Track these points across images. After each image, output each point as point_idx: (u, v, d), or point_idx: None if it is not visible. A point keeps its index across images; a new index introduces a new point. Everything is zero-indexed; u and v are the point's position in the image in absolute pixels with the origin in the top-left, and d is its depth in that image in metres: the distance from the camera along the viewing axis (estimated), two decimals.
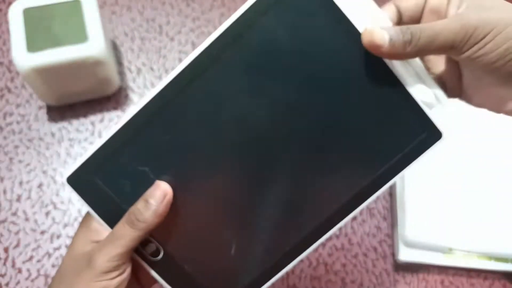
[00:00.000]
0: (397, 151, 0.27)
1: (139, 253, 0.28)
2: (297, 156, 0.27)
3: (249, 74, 0.26)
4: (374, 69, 0.25)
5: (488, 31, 0.24)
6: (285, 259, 0.28)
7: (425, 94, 0.26)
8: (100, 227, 0.28)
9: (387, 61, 0.25)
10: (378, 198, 0.49)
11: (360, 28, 0.25)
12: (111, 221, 0.27)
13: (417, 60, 0.26)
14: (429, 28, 0.24)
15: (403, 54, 0.25)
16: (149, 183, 0.27)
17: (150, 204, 0.26)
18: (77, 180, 0.27)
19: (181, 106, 0.26)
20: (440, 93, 0.26)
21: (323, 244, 0.46)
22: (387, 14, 0.27)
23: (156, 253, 0.28)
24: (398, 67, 0.25)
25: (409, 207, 0.45)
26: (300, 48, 0.26)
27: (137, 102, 0.51)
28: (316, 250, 0.46)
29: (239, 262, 0.28)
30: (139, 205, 0.27)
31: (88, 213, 0.29)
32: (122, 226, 0.26)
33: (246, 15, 0.25)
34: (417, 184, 0.47)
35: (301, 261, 0.45)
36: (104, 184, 0.27)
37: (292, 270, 0.45)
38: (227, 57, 0.26)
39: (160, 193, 0.27)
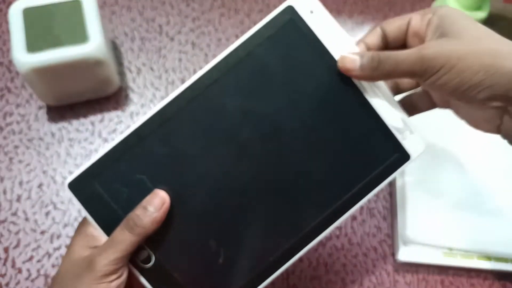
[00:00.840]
0: (369, 172, 0.30)
1: (131, 259, 0.28)
2: (280, 171, 0.30)
3: (241, 96, 0.29)
4: (350, 97, 0.29)
5: (442, 64, 0.26)
6: (271, 268, 0.30)
7: (395, 120, 0.29)
8: (96, 233, 0.29)
9: (363, 90, 0.29)
10: (378, 198, 0.49)
11: (336, 56, 0.29)
12: (107, 227, 0.29)
13: (386, 90, 0.29)
14: (394, 56, 0.27)
15: (371, 77, 0.28)
16: (146, 192, 0.28)
17: (149, 210, 0.27)
18: (78, 186, 0.29)
19: (179, 122, 0.29)
20: (406, 118, 0.30)
21: (323, 244, 0.46)
22: (373, 37, 0.31)
23: (148, 260, 0.29)
24: (372, 96, 0.29)
25: (409, 207, 0.45)
26: (286, 75, 0.29)
27: (140, 116, 0.51)
28: (316, 250, 0.46)
29: (227, 271, 0.29)
30: (138, 211, 0.28)
31: (84, 219, 0.29)
32: (121, 231, 0.27)
33: (242, 46, 0.28)
34: (417, 184, 0.47)
35: (300, 261, 0.45)
36: (104, 191, 0.29)
37: (293, 270, 0.45)
38: (222, 81, 0.29)
39: (158, 200, 0.28)
